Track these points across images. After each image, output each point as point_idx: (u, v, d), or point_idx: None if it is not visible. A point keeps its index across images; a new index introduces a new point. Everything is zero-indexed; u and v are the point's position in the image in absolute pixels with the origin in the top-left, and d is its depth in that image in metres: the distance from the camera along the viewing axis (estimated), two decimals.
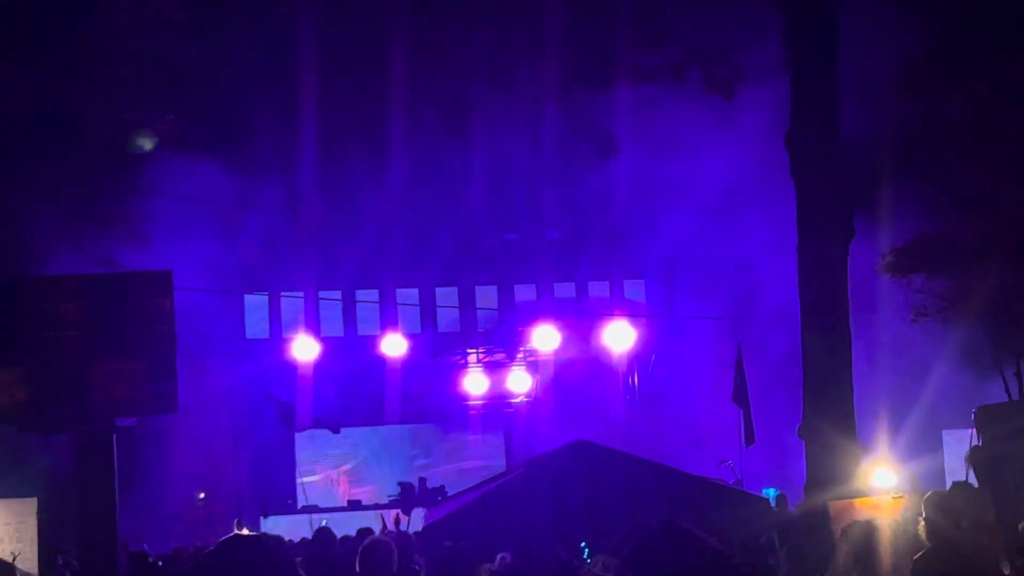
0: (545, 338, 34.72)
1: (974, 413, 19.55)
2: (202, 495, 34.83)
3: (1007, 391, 27.50)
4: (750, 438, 27.06)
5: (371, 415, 35.09)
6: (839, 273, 18.92)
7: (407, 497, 31.14)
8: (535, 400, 36.74)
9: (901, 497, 15.27)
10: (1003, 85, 20.21)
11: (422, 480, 33.98)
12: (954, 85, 20.19)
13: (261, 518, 33.90)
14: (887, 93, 21.88)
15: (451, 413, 36.93)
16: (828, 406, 18.68)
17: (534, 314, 35.14)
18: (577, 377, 35.78)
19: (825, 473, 18.43)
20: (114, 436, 18.01)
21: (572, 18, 21.27)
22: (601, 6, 20.96)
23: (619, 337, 34.93)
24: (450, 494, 31.33)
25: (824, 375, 18.84)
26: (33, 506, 21.10)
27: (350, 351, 34.79)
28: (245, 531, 30.07)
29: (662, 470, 18.98)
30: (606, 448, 19.58)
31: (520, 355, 36.63)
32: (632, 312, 35.64)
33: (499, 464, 36.41)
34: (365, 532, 18.81)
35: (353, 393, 34.59)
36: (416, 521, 28.29)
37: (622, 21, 20.90)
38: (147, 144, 31.58)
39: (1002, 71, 19.93)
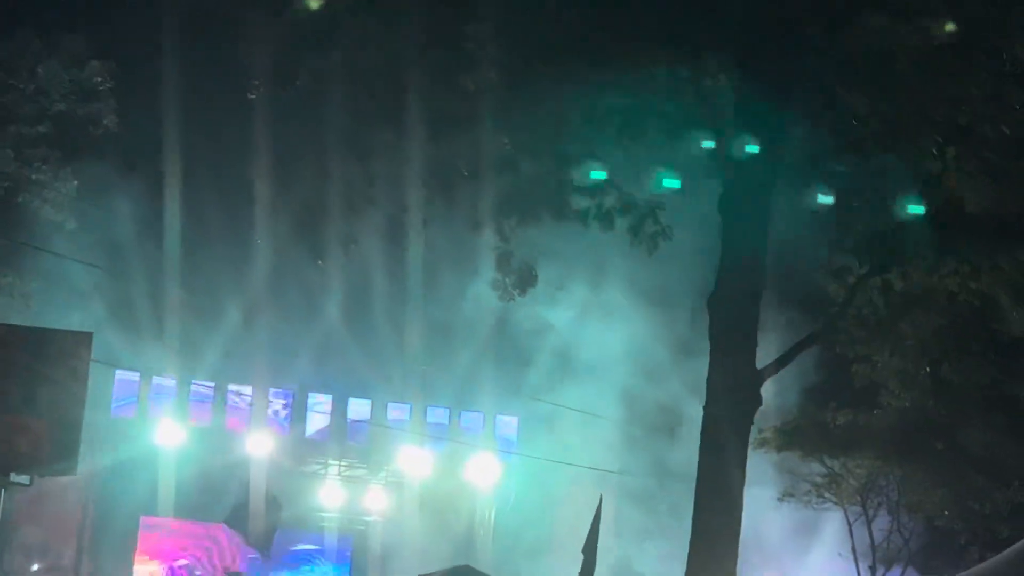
0: (412, 460, 34.76)
1: None
2: (36, 567, 33.93)
3: None
4: None
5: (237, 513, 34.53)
6: (741, 442, 19.13)
7: None
8: (391, 520, 36.48)
9: None
10: None
11: None
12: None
13: None
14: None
15: (306, 521, 36.54)
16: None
17: (404, 434, 35.21)
18: (438, 503, 35.60)
19: None
20: (2, 491, 17.64)
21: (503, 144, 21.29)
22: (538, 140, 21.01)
23: (484, 470, 35.10)
24: None
25: (711, 544, 18.91)
26: None
27: (218, 443, 34.41)
28: None
29: None
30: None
31: (383, 473, 36.49)
32: (501, 447, 35.82)
33: None
34: None
35: (219, 488, 34.09)
36: None
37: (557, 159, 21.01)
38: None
39: None
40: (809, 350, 20.96)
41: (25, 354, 17.39)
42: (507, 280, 21.61)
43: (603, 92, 20.27)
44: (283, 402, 36.10)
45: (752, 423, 19.54)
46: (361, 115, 20.82)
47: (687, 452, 20.62)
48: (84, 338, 18.02)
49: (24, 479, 17.86)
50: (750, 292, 19.27)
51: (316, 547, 37.32)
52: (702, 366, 19.20)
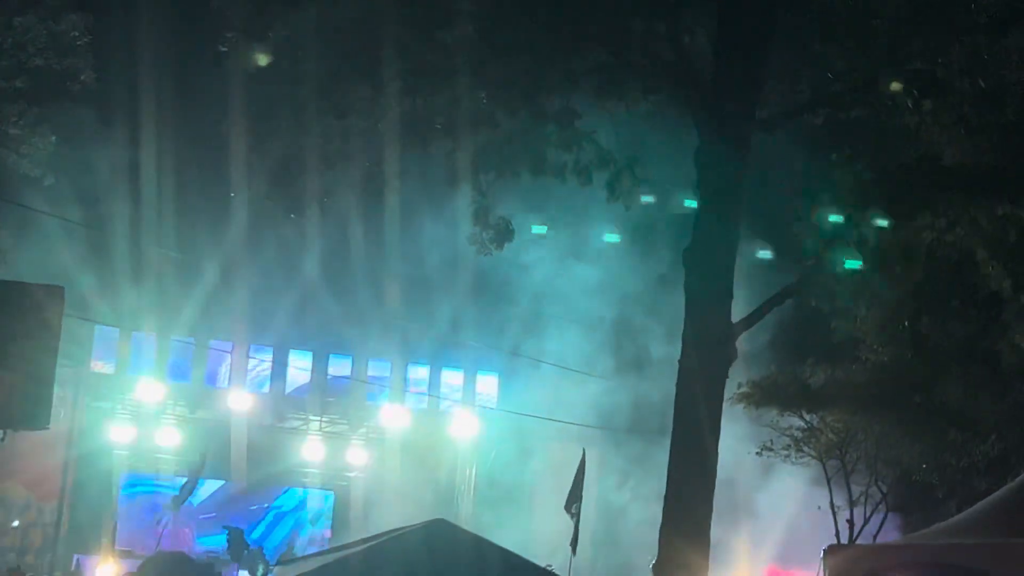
0: (393, 417, 34.80)
1: (824, 552, 19.75)
2: (16, 523, 33.91)
3: (837, 536, 28.16)
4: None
5: (218, 469, 34.50)
6: (716, 395, 19.14)
7: (235, 545, 30.12)
8: (373, 476, 36.49)
9: None
10: None
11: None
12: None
13: (75, 557, 33.20)
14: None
15: (288, 477, 36.59)
16: (686, 532, 18.71)
17: (384, 391, 35.25)
18: (419, 458, 35.58)
19: None
20: None
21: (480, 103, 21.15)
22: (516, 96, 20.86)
23: (465, 425, 35.16)
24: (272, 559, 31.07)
25: (686, 498, 18.90)
26: None
27: (199, 399, 34.41)
28: None
29: (511, 556, 19.13)
30: (463, 530, 19.76)
31: (363, 429, 36.50)
32: (481, 403, 35.86)
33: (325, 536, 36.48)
34: None
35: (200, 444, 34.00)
36: None
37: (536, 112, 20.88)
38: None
39: None
40: (786, 303, 20.94)
41: None
42: (484, 235, 21.54)
43: (581, 48, 20.21)
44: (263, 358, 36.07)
45: (727, 376, 19.56)
46: (337, 69, 20.68)
47: (666, 394, 20.46)
48: (56, 292, 17.95)
49: None
50: (725, 245, 19.25)
51: (298, 502, 37.42)
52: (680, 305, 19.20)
